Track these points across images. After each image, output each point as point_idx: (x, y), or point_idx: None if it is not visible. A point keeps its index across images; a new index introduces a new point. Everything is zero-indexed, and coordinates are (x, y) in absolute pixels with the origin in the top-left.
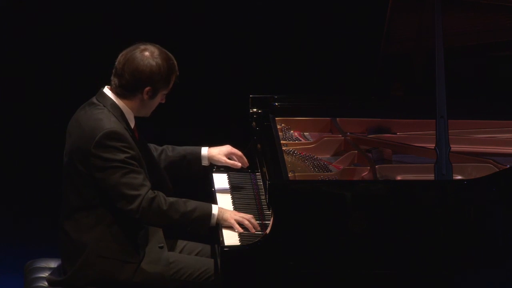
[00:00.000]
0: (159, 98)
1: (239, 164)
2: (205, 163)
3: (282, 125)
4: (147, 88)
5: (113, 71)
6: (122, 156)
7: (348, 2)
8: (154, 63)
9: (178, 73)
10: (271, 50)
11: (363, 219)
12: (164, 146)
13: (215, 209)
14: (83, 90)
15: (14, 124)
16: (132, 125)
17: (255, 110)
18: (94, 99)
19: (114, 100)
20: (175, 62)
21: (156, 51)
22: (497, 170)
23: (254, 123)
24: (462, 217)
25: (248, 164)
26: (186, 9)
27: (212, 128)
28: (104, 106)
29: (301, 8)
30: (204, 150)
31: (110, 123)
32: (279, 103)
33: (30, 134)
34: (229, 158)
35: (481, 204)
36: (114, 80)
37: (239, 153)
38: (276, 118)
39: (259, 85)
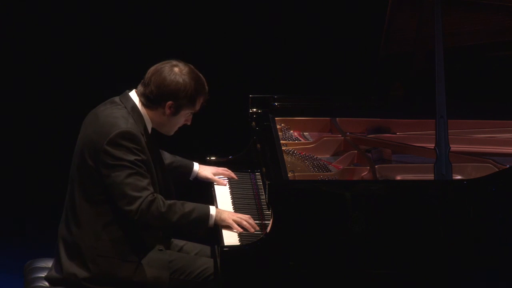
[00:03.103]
0: (183, 117)
1: (225, 182)
2: (192, 178)
3: (282, 125)
4: (169, 103)
5: (142, 80)
6: (132, 157)
7: (348, 2)
8: (181, 80)
9: (207, 96)
10: (271, 50)
11: (363, 219)
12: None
13: (212, 210)
14: (86, 92)
15: (13, 124)
16: (150, 131)
17: (255, 110)
18: (117, 99)
19: (137, 104)
20: (205, 85)
21: (186, 69)
22: (497, 170)
23: (254, 123)
24: (462, 217)
25: (236, 177)
26: (186, 9)
27: (212, 128)
28: (125, 107)
29: (301, 8)
30: (196, 167)
31: (127, 123)
32: (279, 103)
33: (29, 134)
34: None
35: (481, 204)
36: (140, 88)
37: (226, 172)
38: (276, 118)
39: (259, 85)
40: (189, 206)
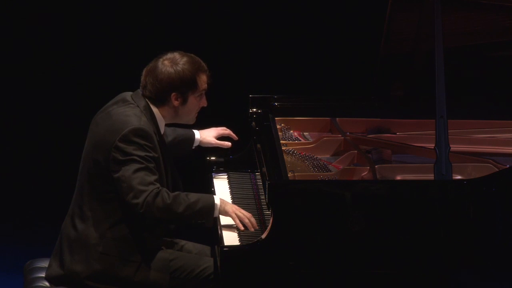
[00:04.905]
0: (194, 102)
1: (229, 144)
2: (195, 145)
3: (282, 125)
4: (173, 94)
5: (140, 83)
6: (143, 153)
7: (348, 2)
8: (172, 70)
9: (208, 72)
10: (271, 50)
11: (363, 219)
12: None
13: (217, 200)
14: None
15: (13, 125)
16: (162, 131)
17: (254, 110)
18: (128, 97)
19: (149, 103)
20: (200, 62)
21: (175, 57)
22: (497, 170)
23: (253, 123)
24: (462, 217)
25: (236, 138)
26: (186, 9)
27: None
28: (138, 106)
29: (301, 8)
30: (197, 135)
31: (140, 121)
32: (279, 103)
33: (29, 134)
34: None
35: (481, 204)
36: (142, 91)
37: (226, 132)
38: (276, 118)
39: (259, 85)
40: (193, 196)
